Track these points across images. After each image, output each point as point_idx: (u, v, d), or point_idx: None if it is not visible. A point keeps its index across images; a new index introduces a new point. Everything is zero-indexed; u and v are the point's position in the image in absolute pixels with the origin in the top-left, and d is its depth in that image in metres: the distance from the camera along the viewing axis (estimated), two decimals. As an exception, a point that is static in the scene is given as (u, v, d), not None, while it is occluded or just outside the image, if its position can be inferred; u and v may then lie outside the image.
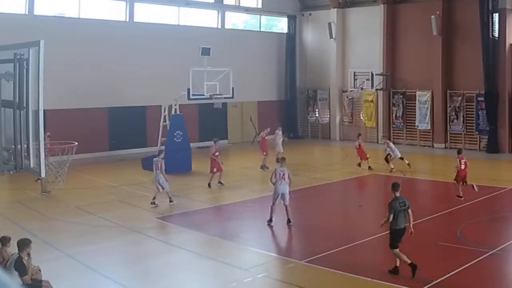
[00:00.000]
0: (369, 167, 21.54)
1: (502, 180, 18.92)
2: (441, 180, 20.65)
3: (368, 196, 19.24)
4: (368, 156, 21.72)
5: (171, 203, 16.40)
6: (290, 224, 13.80)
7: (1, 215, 14.83)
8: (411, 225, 10.45)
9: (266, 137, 22.77)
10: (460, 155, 16.76)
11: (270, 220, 14.02)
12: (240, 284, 10.34)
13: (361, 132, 24.49)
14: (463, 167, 16.48)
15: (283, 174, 13.81)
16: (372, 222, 15.66)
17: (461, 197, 16.25)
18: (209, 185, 18.83)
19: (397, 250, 10.37)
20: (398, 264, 10.41)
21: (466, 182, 16.46)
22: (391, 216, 10.23)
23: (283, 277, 10.84)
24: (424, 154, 26.86)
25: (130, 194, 18.00)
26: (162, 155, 16.90)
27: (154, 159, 16.69)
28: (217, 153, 18.93)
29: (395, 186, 10.54)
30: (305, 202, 16.72)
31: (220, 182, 19.16)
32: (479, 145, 26.72)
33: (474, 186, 16.26)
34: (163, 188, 16.12)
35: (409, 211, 10.47)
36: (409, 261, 10.23)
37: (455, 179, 16.65)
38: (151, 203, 16.12)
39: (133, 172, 21.72)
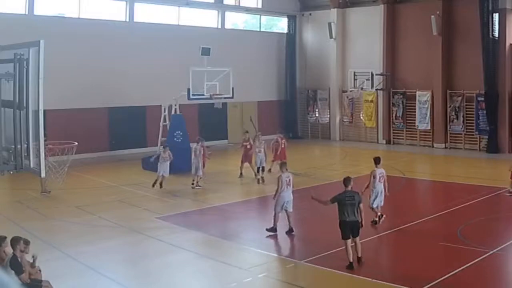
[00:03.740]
0: None
1: (502, 180, 18.88)
2: (441, 180, 20.67)
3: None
4: None
5: (196, 187, 18.36)
6: (293, 233, 13.21)
7: (1, 215, 14.82)
8: (362, 218, 11.05)
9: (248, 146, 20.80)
10: None
11: (275, 230, 13.12)
12: (240, 284, 10.34)
13: (361, 131, 24.42)
14: None
15: (289, 180, 13.29)
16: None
17: None
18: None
19: (346, 242, 10.74)
20: (353, 258, 10.72)
21: None
22: (329, 202, 11.10)
23: (283, 277, 10.83)
24: (424, 154, 26.86)
25: (130, 194, 18.00)
26: (202, 142, 18.81)
27: (194, 146, 18.43)
28: (209, 153, 18.69)
29: (345, 181, 11.19)
30: (305, 202, 16.69)
31: (197, 184, 18.68)
32: (479, 145, 26.72)
33: None
34: (196, 172, 18.21)
35: (361, 206, 10.98)
36: (350, 260, 10.64)
37: None
38: (194, 186, 18.39)
39: (133, 172, 21.72)
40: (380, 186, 13.63)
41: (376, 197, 13.64)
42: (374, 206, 13.71)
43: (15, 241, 8.72)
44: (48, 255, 11.28)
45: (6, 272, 7.94)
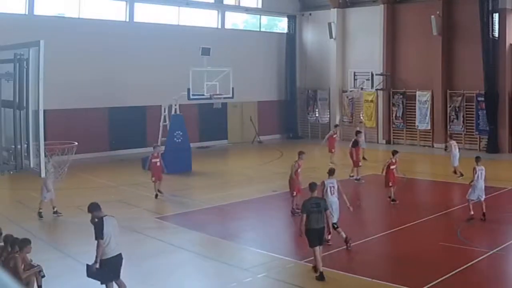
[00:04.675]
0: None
1: (502, 180, 18.89)
2: (441, 180, 20.65)
3: (368, 196, 19.21)
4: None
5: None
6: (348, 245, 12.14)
7: (1, 215, 14.81)
8: (329, 225, 10.77)
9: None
10: None
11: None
12: (240, 284, 10.34)
13: (361, 131, 24.27)
14: None
15: (333, 187, 12.58)
16: (371, 222, 15.69)
17: None
18: (156, 195, 17.41)
19: (314, 249, 10.35)
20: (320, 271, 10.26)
21: None
22: (304, 216, 10.33)
23: (283, 277, 10.82)
24: (424, 154, 26.85)
25: (130, 194, 17.99)
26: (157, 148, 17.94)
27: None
28: (156, 160, 17.54)
29: (311, 186, 10.79)
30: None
31: (159, 191, 17.51)
32: (479, 145, 26.72)
33: None
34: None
35: (327, 212, 10.62)
36: (321, 270, 10.23)
37: None
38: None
39: (133, 172, 21.71)
40: (333, 199, 12.32)
41: (331, 212, 11.91)
42: (332, 222, 12.09)
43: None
44: (48, 255, 11.28)
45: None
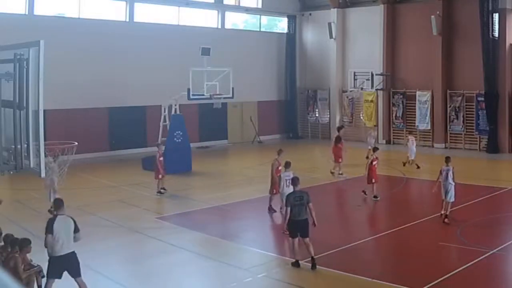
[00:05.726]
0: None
1: (502, 180, 18.91)
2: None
3: (368, 196, 19.20)
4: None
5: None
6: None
7: (1, 215, 14.80)
8: (314, 218, 11.03)
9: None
10: None
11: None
12: (240, 284, 10.34)
13: (361, 131, 24.37)
14: None
15: (289, 180, 13.03)
16: (371, 222, 15.71)
17: None
18: (159, 192, 17.68)
19: (293, 240, 10.90)
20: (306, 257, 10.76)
21: None
22: (288, 209, 10.90)
23: (283, 277, 10.83)
24: (424, 154, 26.82)
25: (130, 194, 17.99)
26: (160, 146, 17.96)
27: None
28: (161, 158, 17.80)
29: (293, 181, 11.49)
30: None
31: (163, 188, 17.85)
32: (479, 145, 26.72)
33: None
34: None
35: (309, 205, 10.99)
36: (294, 260, 10.89)
37: None
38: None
39: (133, 172, 21.71)
40: (288, 190, 12.78)
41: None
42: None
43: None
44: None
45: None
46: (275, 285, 10.63)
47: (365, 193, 17.03)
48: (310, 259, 10.80)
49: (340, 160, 20.50)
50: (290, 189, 12.48)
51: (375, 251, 12.49)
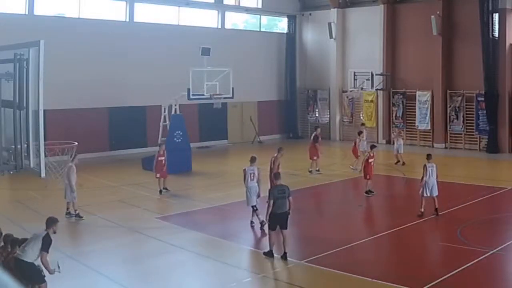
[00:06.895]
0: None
1: (502, 180, 18.91)
2: (441, 180, 20.59)
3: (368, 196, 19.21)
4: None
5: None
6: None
7: (1, 215, 14.81)
8: (289, 210, 11.46)
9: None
10: None
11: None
12: (240, 284, 10.34)
13: (362, 131, 24.36)
14: None
15: (253, 174, 14.01)
16: (372, 222, 15.72)
17: None
18: (160, 191, 17.80)
19: (272, 232, 11.38)
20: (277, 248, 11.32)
21: None
22: (271, 202, 11.26)
23: (283, 277, 10.84)
24: (424, 154, 26.71)
25: (130, 194, 17.99)
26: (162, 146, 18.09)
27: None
28: (160, 158, 17.89)
29: (275, 176, 12.12)
30: (304, 202, 16.71)
31: (165, 188, 18.01)
32: (479, 145, 26.72)
33: None
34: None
35: (290, 198, 11.42)
36: (271, 248, 11.37)
37: None
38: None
39: (133, 172, 21.71)
40: (252, 184, 13.88)
41: (250, 195, 13.89)
42: (252, 204, 13.88)
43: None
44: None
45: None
46: (275, 285, 10.63)
47: (367, 193, 17.13)
48: (283, 253, 11.28)
49: (315, 158, 21.16)
50: (254, 183, 13.81)
51: (375, 251, 12.48)
